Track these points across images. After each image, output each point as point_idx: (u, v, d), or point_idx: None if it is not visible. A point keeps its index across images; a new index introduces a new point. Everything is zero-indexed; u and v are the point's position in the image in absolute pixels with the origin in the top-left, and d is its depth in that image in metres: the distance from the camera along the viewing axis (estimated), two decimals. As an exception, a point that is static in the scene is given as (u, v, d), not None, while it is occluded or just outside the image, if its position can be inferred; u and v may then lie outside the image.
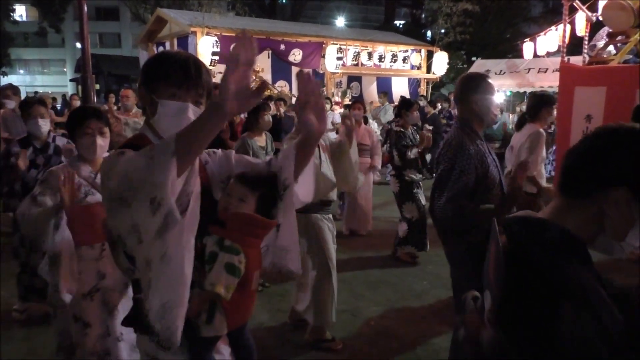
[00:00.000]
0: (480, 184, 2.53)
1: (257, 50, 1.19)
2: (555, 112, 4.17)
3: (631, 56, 7.10)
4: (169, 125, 1.46)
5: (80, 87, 26.31)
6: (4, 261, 4.81)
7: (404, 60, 15.89)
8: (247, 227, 1.56)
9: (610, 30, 7.01)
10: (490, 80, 2.66)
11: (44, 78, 39.80)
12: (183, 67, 1.47)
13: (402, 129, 5.51)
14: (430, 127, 12.18)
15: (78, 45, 38.83)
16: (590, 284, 1.03)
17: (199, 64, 1.51)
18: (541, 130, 4.21)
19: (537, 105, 4.24)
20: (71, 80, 29.85)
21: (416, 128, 6.14)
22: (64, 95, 20.37)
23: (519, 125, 4.33)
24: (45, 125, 3.82)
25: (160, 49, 14.16)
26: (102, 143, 2.59)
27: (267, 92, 12.28)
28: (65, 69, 40.13)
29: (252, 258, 1.56)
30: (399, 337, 3.72)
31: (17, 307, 4.05)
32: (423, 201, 5.41)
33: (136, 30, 30.33)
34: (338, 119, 9.92)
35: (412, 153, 5.41)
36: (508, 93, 15.74)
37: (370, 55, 14.91)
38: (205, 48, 11.47)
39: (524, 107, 14.34)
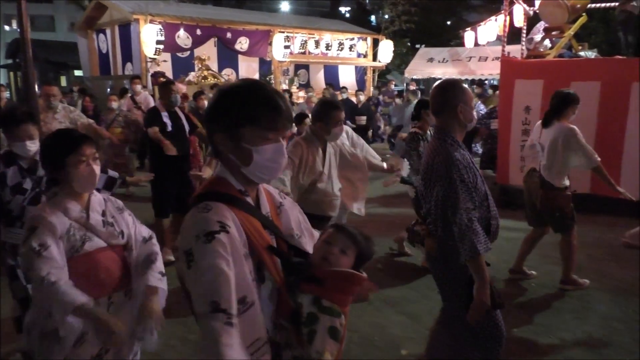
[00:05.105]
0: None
1: None
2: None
3: (565, 50, 7.52)
4: (266, 169, 1.37)
5: (12, 74, 24.69)
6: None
7: (351, 48, 16.04)
8: (348, 285, 1.43)
9: (547, 25, 7.39)
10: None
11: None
12: (273, 107, 1.34)
13: (418, 131, 4.73)
14: (364, 117, 12.48)
15: (7, 27, 36.49)
16: None
17: (283, 96, 1.38)
18: (570, 126, 4.16)
19: (562, 104, 4.21)
20: (1, 66, 28.00)
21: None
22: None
23: (546, 123, 4.29)
24: (34, 145, 2.93)
25: (101, 36, 13.64)
26: (98, 172, 2.18)
27: (214, 81, 12.10)
28: (-7, 54, 37.73)
29: (347, 317, 1.42)
30: (424, 316, 3.81)
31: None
32: None
33: (72, 12, 28.93)
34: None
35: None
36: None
37: (317, 43, 14.96)
38: (149, 36, 11.16)
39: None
